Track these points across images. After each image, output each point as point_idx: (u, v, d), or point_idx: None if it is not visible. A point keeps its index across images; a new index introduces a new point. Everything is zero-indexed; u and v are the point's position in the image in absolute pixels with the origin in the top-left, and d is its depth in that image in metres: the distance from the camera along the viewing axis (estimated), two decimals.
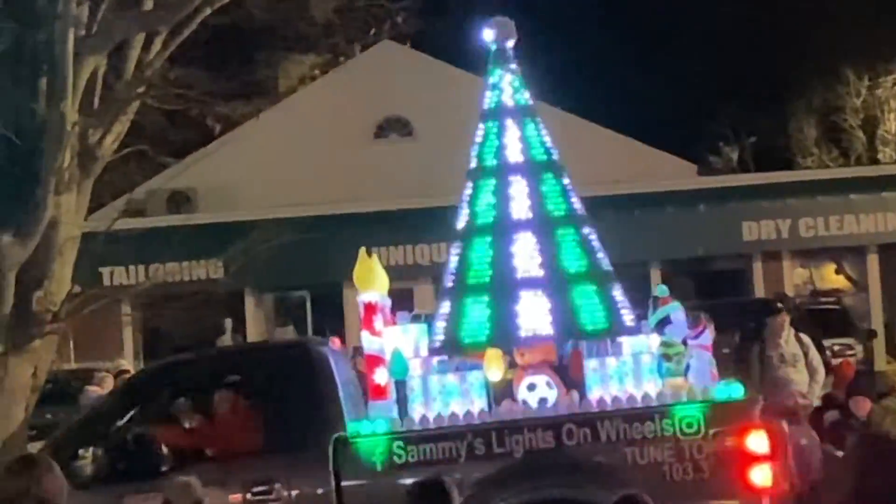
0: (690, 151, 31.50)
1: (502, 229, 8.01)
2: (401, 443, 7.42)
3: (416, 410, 7.62)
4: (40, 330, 9.29)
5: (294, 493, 7.46)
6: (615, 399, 7.56)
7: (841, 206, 26.07)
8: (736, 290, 25.85)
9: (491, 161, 8.19)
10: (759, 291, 25.84)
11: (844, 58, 36.19)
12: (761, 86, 38.35)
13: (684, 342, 8.10)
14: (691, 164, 30.02)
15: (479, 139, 8.31)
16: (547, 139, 8.31)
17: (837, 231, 26.19)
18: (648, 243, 25.06)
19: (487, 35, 8.36)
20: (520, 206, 8.05)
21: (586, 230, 8.18)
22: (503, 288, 7.87)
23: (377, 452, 7.42)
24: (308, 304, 27.01)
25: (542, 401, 7.69)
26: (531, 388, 7.74)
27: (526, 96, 8.37)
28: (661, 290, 8.40)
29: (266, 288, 26.41)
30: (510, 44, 8.38)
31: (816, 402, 11.72)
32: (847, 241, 26.53)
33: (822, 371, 12.30)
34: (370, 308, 7.85)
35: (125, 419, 8.08)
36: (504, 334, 7.82)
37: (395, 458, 7.40)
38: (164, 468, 7.52)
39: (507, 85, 8.31)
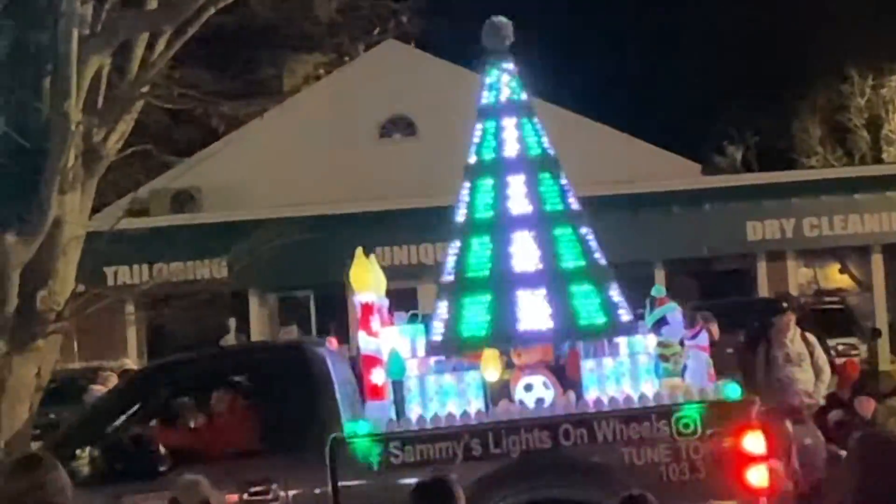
0: (695, 151, 31.50)
1: (500, 227, 8.01)
2: (397, 443, 7.42)
3: (413, 411, 7.63)
4: (44, 329, 9.28)
5: (291, 493, 7.46)
6: (612, 399, 7.55)
7: (845, 206, 25.99)
8: (740, 289, 25.80)
9: (488, 159, 8.20)
10: (764, 291, 25.77)
11: (849, 57, 36.13)
12: (765, 85, 38.33)
13: (681, 342, 8.10)
14: (695, 163, 29.93)
15: (476, 139, 8.32)
16: (544, 137, 8.31)
17: (842, 230, 26.10)
18: (652, 243, 25.04)
19: (485, 36, 8.38)
20: (517, 204, 8.05)
21: (584, 228, 8.18)
22: (501, 285, 7.87)
23: (374, 453, 7.42)
24: (312, 304, 26.99)
25: (539, 401, 7.69)
26: (528, 388, 7.75)
27: (523, 96, 8.37)
28: (657, 290, 8.40)
29: (270, 287, 26.40)
30: (507, 45, 8.38)
31: (821, 402, 11.74)
32: (851, 241, 26.47)
33: (827, 370, 12.27)
34: (367, 308, 7.85)
35: (122, 419, 8.09)
36: (502, 331, 7.82)
37: (392, 459, 7.40)
38: (161, 468, 7.53)
39: (504, 85, 8.32)
